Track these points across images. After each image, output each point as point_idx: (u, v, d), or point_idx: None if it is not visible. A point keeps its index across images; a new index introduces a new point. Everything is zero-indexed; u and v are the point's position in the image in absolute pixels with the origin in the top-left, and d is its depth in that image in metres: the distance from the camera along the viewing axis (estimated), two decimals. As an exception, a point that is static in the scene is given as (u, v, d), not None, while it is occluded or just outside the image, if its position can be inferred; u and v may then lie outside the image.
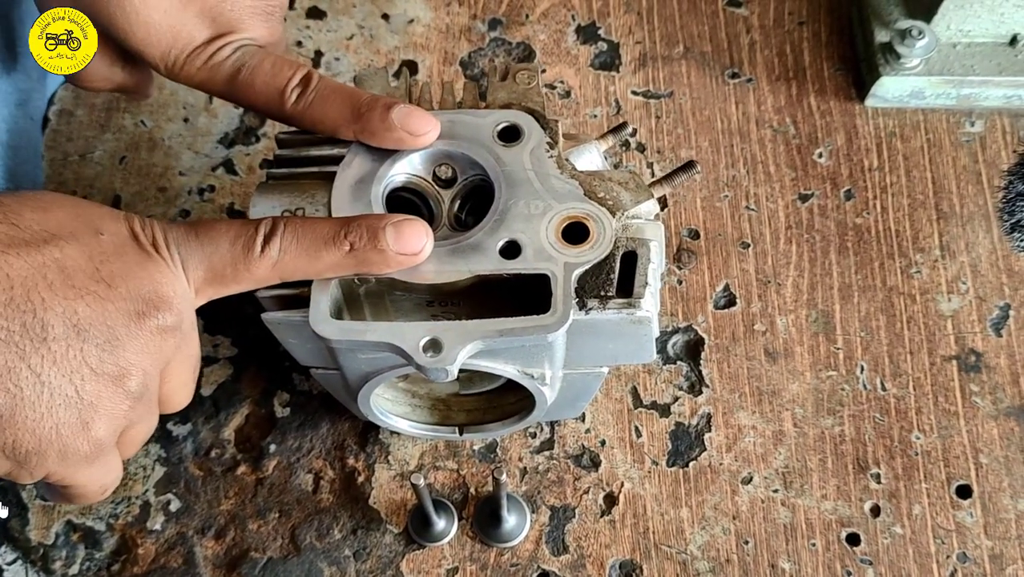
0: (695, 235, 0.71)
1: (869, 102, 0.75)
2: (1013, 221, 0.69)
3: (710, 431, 0.65)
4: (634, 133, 0.75)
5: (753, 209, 0.72)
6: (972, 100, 0.74)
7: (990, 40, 0.74)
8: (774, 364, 0.67)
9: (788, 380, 0.66)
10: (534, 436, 0.65)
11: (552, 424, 0.65)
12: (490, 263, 0.50)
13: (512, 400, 0.61)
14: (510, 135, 0.53)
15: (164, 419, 0.64)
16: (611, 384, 0.66)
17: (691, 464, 0.64)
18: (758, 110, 0.75)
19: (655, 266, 0.51)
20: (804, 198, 0.72)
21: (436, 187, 0.54)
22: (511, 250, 0.50)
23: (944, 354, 0.67)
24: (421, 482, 0.55)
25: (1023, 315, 0.68)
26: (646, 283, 0.50)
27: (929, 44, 0.71)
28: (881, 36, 0.73)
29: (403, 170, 0.53)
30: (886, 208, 0.72)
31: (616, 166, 0.71)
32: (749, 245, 0.71)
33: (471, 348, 0.48)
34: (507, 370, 0.53)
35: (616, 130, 0.59)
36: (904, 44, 0.71)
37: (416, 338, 0.48)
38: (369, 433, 0.65)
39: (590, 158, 0.56)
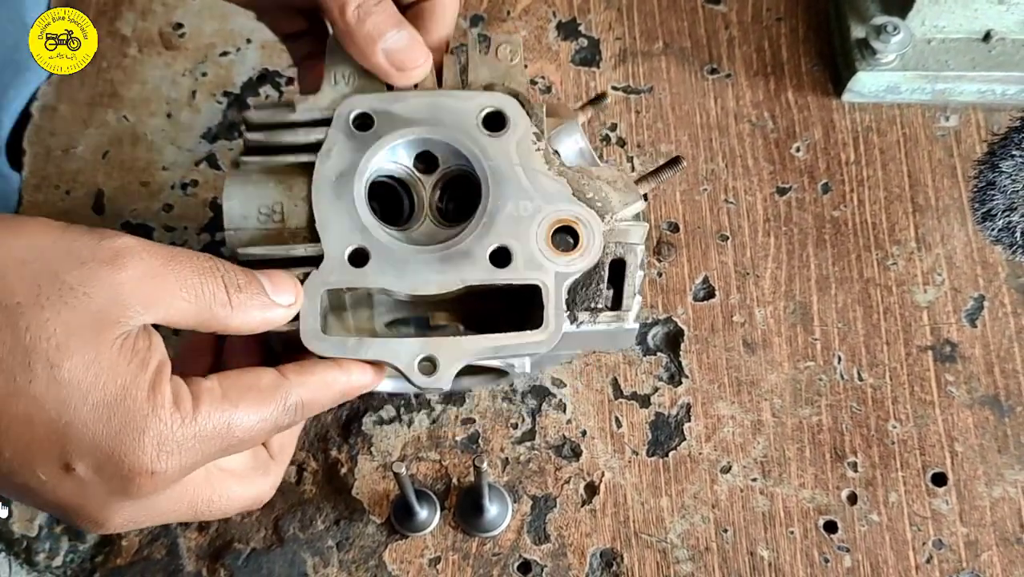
0: (675, 228, 0.72)
1: (846, 97, 0.76)
2: (984, 211, 0.70)
3: (689, 421, 0.66)
4: (614, 128, 0.75)
5: (732, 202, 0.73)
6: (947, 95, 0.75)
7: (964, 36, 0.75)
8: (752, 355, 0.68)
9: (766, 371, 0.67)
10: (516, 427, 0.66)
11: (534, 415, 0.66)
12: (481, 272, 0.49)
13: None
14: (495, 123, 0.52)
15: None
16: (592, 375, 0.67)
17: (671, 454, 0.65)
18: (736, 105, 0.76)
19: (640, 272, 0.51)
20: (782, 191, 0.73)
21: (418, 173, 0.53)
22: (501, 257, 0.49)
23: (920, 344, 0.68)
24: (403, 471, 0.56)
25: (997, 306, 0.69)
26: (634, 293, 0.50)
27: (904, 40, 0.72)
28: (857, 32, 0.74)
29: (385, 160, 0.52)
30: (863, 201, 0.73)
31: (601, 157, 0.72)
32: (728, 238, 0.71)
33: (464, 364, 0.48)
34: (491, 362, 0.53)
35: (595, 101, 0.58)
36: (880, 40, 0.72)
37: (411, 356, 0.48)
38: (352, 425, 0.66)
39: (573, 140, 0.55)
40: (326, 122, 0.51)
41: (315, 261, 0.49)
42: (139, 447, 0.41)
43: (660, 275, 0.70)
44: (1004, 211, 0.68)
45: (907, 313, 0.69)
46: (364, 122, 0.51)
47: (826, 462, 0.65)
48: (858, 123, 0.75)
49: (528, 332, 0.49)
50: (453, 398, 0.67)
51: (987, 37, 0.75)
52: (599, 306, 0.50)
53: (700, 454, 0.65)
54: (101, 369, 0.41)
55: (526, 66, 0.61)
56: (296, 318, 0.48)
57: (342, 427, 0.66)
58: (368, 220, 0.50)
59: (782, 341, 0.68)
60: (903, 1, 0.73)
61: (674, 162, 0.55)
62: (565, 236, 0.50)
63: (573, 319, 0.49)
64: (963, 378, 0.67)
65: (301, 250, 0.49)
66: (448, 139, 0.52)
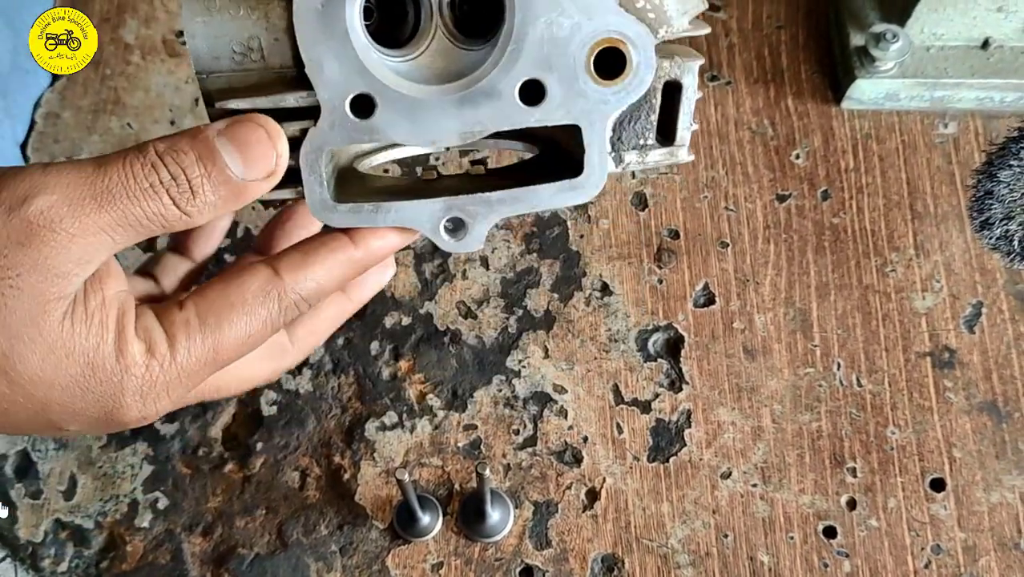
0: (675, 235, 0.72)
1: (845, 104, 0.76)
2: (982, 219, 0.70)
3: (690, 427, 0.66)
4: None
5: (732, 209, 0.73)
6: (946, 102, 0.76)
7: (963, 43, 0.75)
8: (753, 361, 0.68)
9: (766, 377, 0.68)
10: (517, 433, 0.66)
11: (535, 421, 0.66)
12: (509, 114, 0.41)
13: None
14: None
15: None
16: (593, 381, 0.68)
17: (671, 459, 0.66)
18: (737, 112, 0.77)
19: (698, 94, 0.43)
20: (782, 198, 0.73)
21: None
22: (533, 93, 0.41)
23: (919, 351, 0.68)
24: (406, 477, 0.56)
25: (995, 312, 0.69)
26: (691, 122, 0.43)
27: (903, 47, 0.72)
28: (856, 39, 0.75)
29: None
30: (862, 208, 0.73)
31: None
32: (728, 245, 0.72)
33: (496, 222, 0.43)
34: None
35: None
36: (878, 47, 0.72)
37: (435, 220, 0.43)
38: (355, 430, 0.66)
39: None
40: None
41: (311, 113, 0.41)
42: (121, 406, 0.40)
43: (661, 282, 0.71)
44: (1002, 220, 0.69)
45: (906, 319, 0.69)
46: None
47: (825, 468, 0.65)
48: (857, 130, 0.76)
49: (565, 182, 0.42)
50: (455, 404, 0.67)
51: (986, 44, 0.75)
52: (649, 142, 0.43)
53: (701, 460, 0.65)
54: (60, 357, 0.38)
55: None
56: (299, 182, 0.42)
57: (345, 433, 0.66)
58: (368, 57, 0.40)
59: (782, 347, 0.69)
60: (902, 9, 0.73)
61: None
62: (609, 59, 0.41)
63: (619, 161, 0.43)
64: (961, 384, 0.67)
65: (292, 100, 0.41)
66: None
